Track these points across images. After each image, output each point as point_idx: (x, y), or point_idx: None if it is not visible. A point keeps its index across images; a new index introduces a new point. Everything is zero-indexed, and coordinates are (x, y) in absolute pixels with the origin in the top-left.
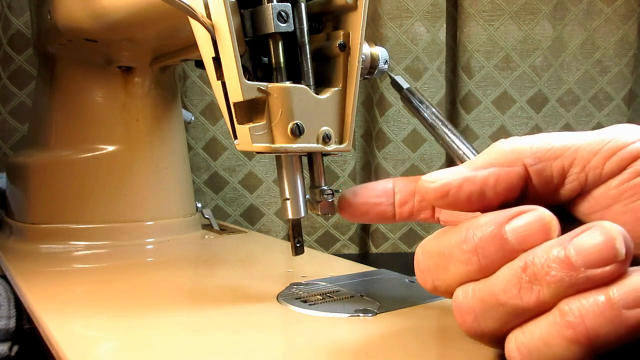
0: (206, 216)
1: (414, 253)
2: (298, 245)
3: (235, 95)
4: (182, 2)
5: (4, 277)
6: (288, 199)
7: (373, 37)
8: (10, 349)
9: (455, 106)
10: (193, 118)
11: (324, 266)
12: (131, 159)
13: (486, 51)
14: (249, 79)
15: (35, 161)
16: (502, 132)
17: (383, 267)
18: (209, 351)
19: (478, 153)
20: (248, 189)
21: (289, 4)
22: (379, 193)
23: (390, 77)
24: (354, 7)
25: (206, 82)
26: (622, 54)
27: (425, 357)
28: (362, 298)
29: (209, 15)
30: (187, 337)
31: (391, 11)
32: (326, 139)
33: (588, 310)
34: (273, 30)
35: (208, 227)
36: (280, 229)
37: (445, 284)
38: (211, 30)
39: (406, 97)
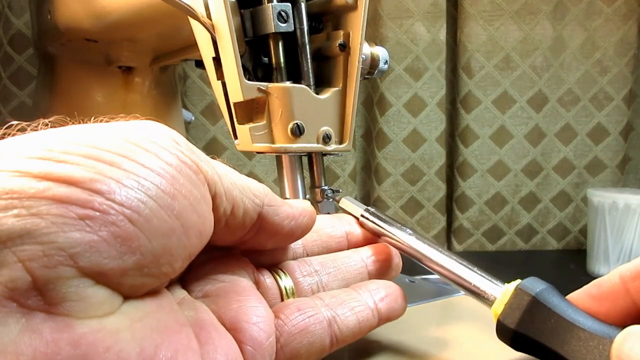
0: None
1: None
2: None
3: (236, 95)
4: (182, 2)
5: None
6: (288, 199)
7: (373, 37)
8: None
9: (455, 106)
10: (193, 118)
11: None
12: None
13: (486, 51)
14: (249, 79)
15: None
16: (502, 132)
17: None
18: None
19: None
20: None
21: (289, 4)
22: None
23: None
24: (354, 7)
25: (206, 82)
26: (622, 54)
27: (425, 356)
28: None
29: (209, 15)
30: None
31: (391, 11)
32: (326, 139)
33: None
34: (273, 30)
35: None
36: None
37: None
38: (211, 30)
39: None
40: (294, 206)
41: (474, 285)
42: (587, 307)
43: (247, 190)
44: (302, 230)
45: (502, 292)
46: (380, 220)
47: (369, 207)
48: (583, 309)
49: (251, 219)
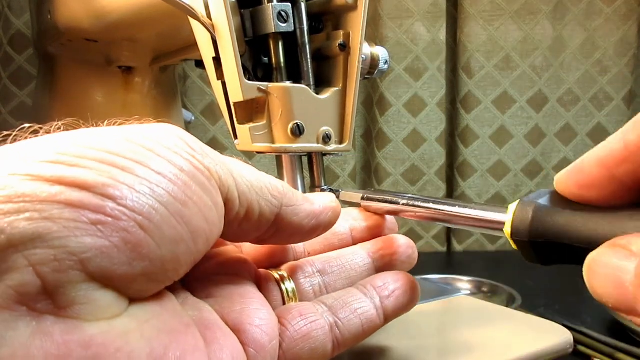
0: None
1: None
2: None
3: (236, 95)
4: (182, 2)
5: None
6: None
7: (373, 37)
8: None
9: (455, 106)
10: (193, 118)
11: None
12: None
13: (486, 51)
14: (249, 79)
15: None
16: (502, 132)
17: None
18: None
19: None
20: None
21: (289, 4)
22: None
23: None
24: (354, 7)
25: (206, 82)
26: (622, 54)
27: (425, 356)
28: None
29: (209, 15)
30: None
31: (391, 11)
32: (326, 139)
33: None
34: (273, 30)
35: None
36: None
37: None
38: (211, 30)
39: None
40: (315, 203)
41: (482, 219)
42: (580, 196)
43: (265, 192)
44: (324, 227)
45: (509, 210)
46: (380, 196)
47: (366, 190)
48: (574, 198)
49: (267, 221)
